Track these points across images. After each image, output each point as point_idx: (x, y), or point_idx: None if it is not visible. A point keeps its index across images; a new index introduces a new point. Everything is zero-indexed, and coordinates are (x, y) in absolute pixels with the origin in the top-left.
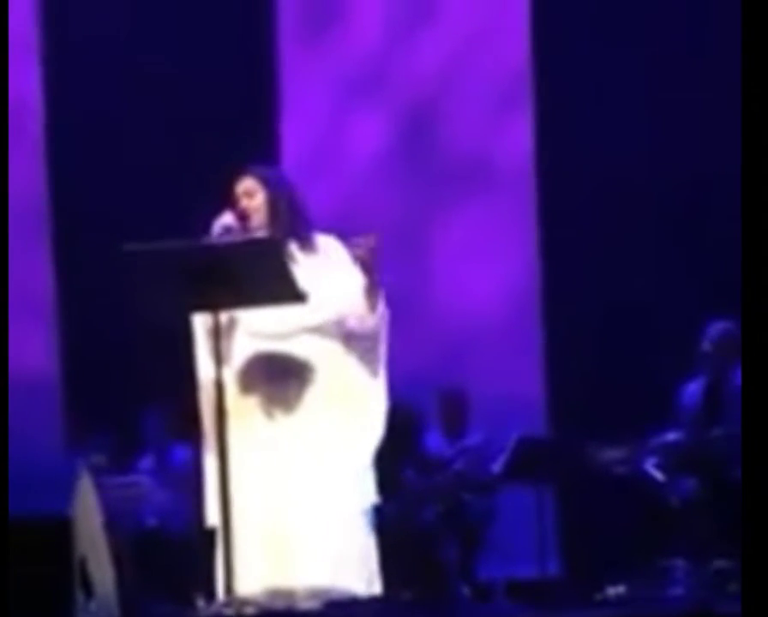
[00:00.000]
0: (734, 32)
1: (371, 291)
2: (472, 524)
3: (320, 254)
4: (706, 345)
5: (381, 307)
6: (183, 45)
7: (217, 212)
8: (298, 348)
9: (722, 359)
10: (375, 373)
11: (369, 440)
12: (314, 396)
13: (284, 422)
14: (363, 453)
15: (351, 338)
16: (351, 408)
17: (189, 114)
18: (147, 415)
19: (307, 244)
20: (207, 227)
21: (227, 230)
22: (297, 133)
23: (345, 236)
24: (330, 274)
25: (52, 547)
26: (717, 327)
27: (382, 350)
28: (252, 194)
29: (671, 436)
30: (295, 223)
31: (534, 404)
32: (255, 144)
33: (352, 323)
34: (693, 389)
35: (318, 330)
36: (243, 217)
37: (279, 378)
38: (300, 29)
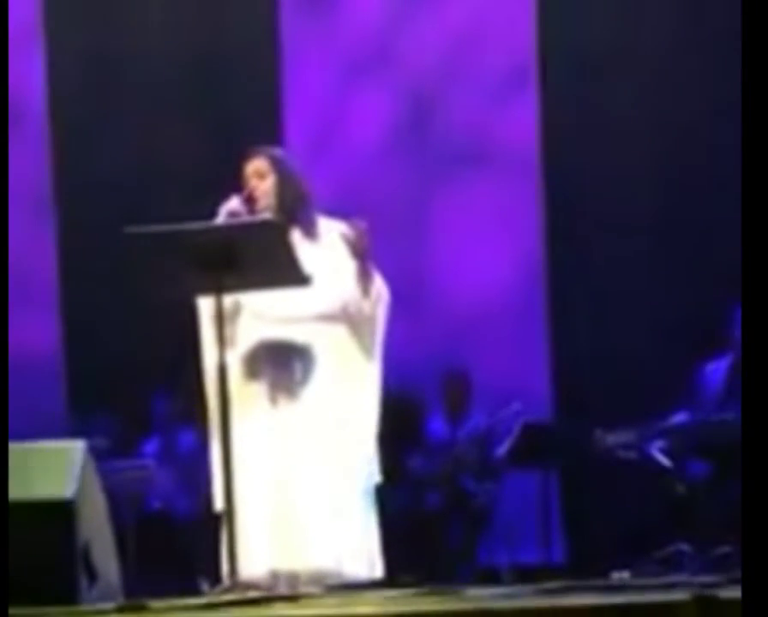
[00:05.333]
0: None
1: (364, 276)
2: (476, 509)
3: (323, 239)
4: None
5: (376, 291)
6: (185, 26)
7: (222, 191)
8: (303, 334)
9: None
10: (370, 356)
11: (368, 423)
12: (317, 382)
13: (287, 408)
14: (364, 437)
15: (351, 324)
16: (351, 393)
17: (192, 95)
18: (156, 398)
19: (311, 229)
20: (211, 207)
21: (234, 215)
22: (300, 112)
23: (347, 216)
24: (333, 260)
25: (55, 531)
26: None
27: (379, 333)
28: (263, 174)
29: (678, 419)
30: (301, 207)
31: (538, 386)
32: (258, 123)
33: (352, 308)
34: (716, 369)
35: (323, 316)
36: (251, 199)
37: (283, 364)
38: (302, 7)
